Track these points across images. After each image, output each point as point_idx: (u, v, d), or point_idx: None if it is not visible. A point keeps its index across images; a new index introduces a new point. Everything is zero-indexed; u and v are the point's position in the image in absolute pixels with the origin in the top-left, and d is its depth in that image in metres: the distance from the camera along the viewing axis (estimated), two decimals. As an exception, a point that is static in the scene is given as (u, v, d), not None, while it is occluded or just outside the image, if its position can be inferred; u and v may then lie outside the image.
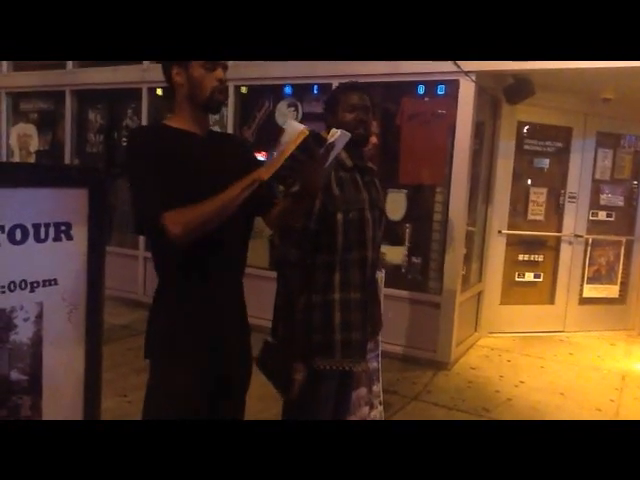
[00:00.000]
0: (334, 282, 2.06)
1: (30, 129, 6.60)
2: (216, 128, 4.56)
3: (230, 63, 1.71)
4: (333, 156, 1.63)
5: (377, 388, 3.21)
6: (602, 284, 5.74)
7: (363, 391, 3.02)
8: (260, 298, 2.45)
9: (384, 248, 2.33)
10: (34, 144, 6.57)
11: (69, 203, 1.47)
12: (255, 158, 2.02)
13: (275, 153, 1.52)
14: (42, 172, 1.52)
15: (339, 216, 2.03)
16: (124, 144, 5.80)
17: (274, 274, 2.17)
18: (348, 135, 1.63)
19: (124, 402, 3.39)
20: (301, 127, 1.49)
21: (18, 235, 1.36)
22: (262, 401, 3.28)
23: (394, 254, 2.20)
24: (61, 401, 1.51)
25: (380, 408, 3.23)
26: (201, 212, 1.55)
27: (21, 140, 6.62)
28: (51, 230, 1.43)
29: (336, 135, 1.57)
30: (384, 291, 3.23)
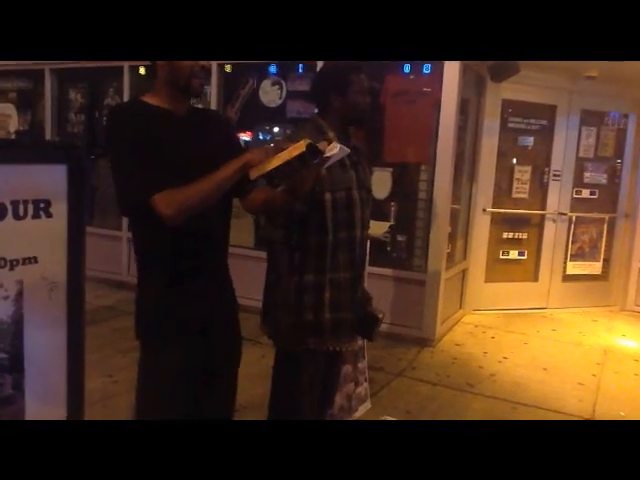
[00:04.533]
0: (326, 263, 2.05)
1: (9, 109, 6.46)
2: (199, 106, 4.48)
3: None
4: (327, 166, 1.63)
5: (362, 365, 3.23)
6: (585, 261, 5.81)
7: (349, 368, 3.04)
8: (245, 277, 2.44)
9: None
10: (13, 124, 6.44)
11: (48, 180, 1.45)
12: (235, 136, 2.00)
13: (271, 147, 1.52)
14: (19, 148, 1.49)
15: (327, 196, 2.02)
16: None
17: (259, 253, 2.17)
18: (347, 151, 1.63)
19: (110, 382, 3.39)
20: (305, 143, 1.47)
21: (-4, 212, 1.34)
22: (250, 380, 3.30)
23: (376, 227, 2.21)
24: (44, 380, 1.51)
25: (365, 384, 3.26)
26: (193, 193, 1.54)
27: (0, 120, 6.48)
28: (30, 207, 1.41)
29: (334, 150, 1.55)
30: (369, 269, 3.23)
